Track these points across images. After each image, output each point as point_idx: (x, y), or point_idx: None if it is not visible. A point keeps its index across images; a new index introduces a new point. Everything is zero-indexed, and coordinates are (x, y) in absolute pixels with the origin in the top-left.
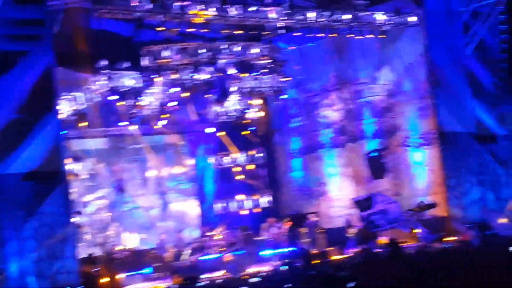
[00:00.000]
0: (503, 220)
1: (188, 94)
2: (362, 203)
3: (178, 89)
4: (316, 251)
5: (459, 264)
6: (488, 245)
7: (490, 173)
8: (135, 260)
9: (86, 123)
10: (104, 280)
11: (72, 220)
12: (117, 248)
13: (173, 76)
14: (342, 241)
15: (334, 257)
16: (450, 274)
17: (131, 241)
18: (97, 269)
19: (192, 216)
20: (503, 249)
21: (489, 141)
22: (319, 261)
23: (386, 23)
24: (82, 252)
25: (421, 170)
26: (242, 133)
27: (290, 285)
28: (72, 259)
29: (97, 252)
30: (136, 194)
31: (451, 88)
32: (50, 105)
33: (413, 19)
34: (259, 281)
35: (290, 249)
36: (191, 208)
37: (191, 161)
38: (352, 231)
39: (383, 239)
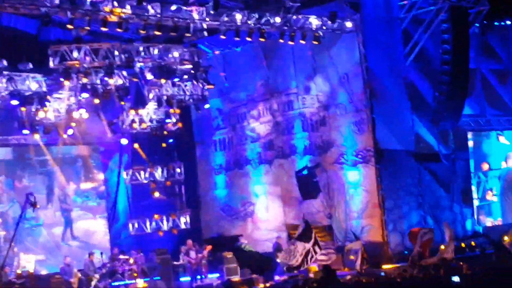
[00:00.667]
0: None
1: (99, 100)
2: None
3: (88, 95)
4: (239, 279)
5: None
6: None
7: (430, 195)
8: (35, 287)
9: None
10: None
11: None
12: (15, 271)
13: (83, 80)
14: (270, 268)
15: (260, 285)
16: None
17: (28, 263)
18: None
19: (102, 237)
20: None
21: (429, 160)
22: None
23: (320, 28)
24: None
25: (356, 191)
26: (160, 145)
27: None
28: None
29: None
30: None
31: (389, 101)
32: None
33: (349, 25)
34: None
35: (211, 276)
36: (101, 227)
37: (102, 176)
38: (281, 256)
39: (314, 266)
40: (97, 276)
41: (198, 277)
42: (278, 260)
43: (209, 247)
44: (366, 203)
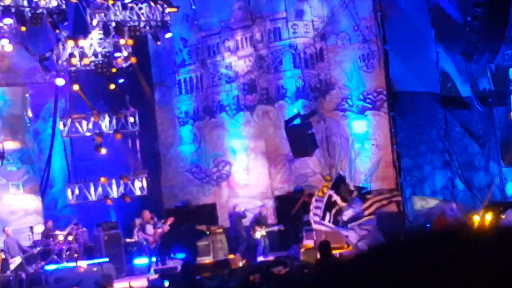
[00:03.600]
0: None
1: (25, 28)
2: None
3: (12, 21)
4: (210, 260)
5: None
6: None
7: (460, 151)
8: None
9: None
10: None
11: None
12: None
13: (5, 1)
14: (251, 245)
15: (237, 267)
16: None
17: None
18: None
19: (31, 208)
20: None
21: (459, 106)
22: (213, 273)
23: None
24: None
25: (364, 146)
26: (108, 87)
27: None
28: None
29: None
30: None
31: (407, 28)
32: None
33: None
34: None
35: (174, 256)
36: (28, 196)
37: (30, 128)
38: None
39: (308, 244)
40: (18, 258)
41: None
42: (256, 236)
43: (171, 219)
44: (377, 161)
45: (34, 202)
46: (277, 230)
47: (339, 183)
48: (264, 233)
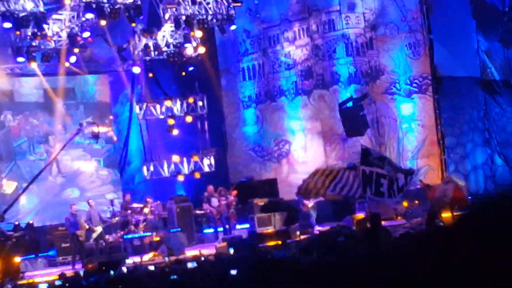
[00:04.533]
0: None
1: (106, 22)
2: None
3: (92, 15)
4: (271, 230)
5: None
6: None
7: (499, 130)
8: (36, 240)
9: None
10: None
11: None
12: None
13: None
14: (305, 217)
15: (296, 238)
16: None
17: (8, 188)
18: None
19: (107, 179)
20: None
21: (498, 89)
22: (275, 242)
23: None
24: None
25: (411, 126)
26: (179, 74)
27: (236, 272)
28: None
29: None
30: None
31: (450, 18)
32: None
33: None
34: (198, 266)
35: (240, 226)
36: (106, 169)
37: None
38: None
39: (360, 215)
40: (99, 228)
41: (222, 228)
42: (306, 209)
43: (234, 192)
44: (422, 140)
45: (110, 175)
46: (321, 200)
47: (366, 156)
48: (312, 204)
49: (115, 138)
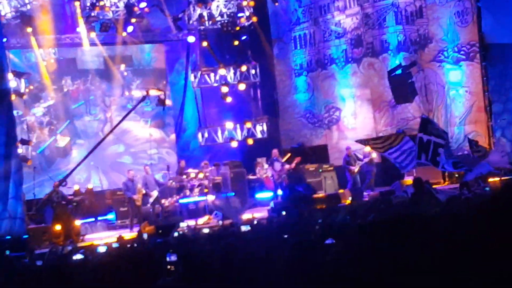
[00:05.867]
0: None
1: None
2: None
3: None
4: (323, 194)
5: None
6: None
7: None
8: (95, 204)
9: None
10: (58, 227)
11: (17, 151)
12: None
13: None
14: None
15: (347, 202)
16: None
17: (62, 141)
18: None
19: (150, 137)
20: None
21: None
22: (326, 206)
23: None
24: (28, 192)
25: (458, 92)
26: (232, 43)
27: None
28: (16, 201)
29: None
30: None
31: None
32: None
33: None
34: (252, 229)
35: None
36: (165, 137)
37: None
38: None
39: (409, 180)
40: (155, 193)
41: (279, 192)
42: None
43: (298, 159)
44: (470, 106)
45: (155, 134)
46: (363, 163)
47: (426, 125)
48: (357, 169)
49: (168, 102)
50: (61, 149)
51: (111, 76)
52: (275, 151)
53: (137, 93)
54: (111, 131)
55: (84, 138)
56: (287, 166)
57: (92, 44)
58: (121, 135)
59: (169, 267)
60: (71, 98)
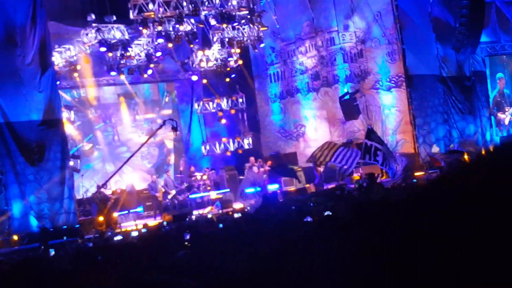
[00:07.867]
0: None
1: (172, 44)
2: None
3: (162, 40)
4: (294, 188)
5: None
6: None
7: (454, 111)
8: (127, 200)
9: (77, 74)
10: (101, 218)
11: (69, 163)
12: (112, 189)
13: (158, 28)
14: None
15: (311, 192)
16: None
17: (87, 147)
18: (94, 208)
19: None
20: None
21: (451, 84)
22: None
23: None
24: (78, 193)
25: (391, 111)
26: (225, 80)
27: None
28: (69, 200)
29: (92, 193)
30: (126, 138)
31: (417, 33)
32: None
33: None
34: (242, 216)
35: (271, 186)
36: (178, 150)
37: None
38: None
39: (356, 175)
40: (173, 191)
41: (259, 188)
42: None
43: (269, 163)
44: (399, 121)
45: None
46: (329, 166)
47: (370, 134)
48: (322, 169)
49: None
50: (87, 151)
51: (120, 107)
52: (251, 159)
53: (140, 117)
54: (140, 147)
55: (102, 145)
56: (262, 169)
57: (116, 84)
58: (126, 141)
59: (186, 243)
60: (94, 121)
